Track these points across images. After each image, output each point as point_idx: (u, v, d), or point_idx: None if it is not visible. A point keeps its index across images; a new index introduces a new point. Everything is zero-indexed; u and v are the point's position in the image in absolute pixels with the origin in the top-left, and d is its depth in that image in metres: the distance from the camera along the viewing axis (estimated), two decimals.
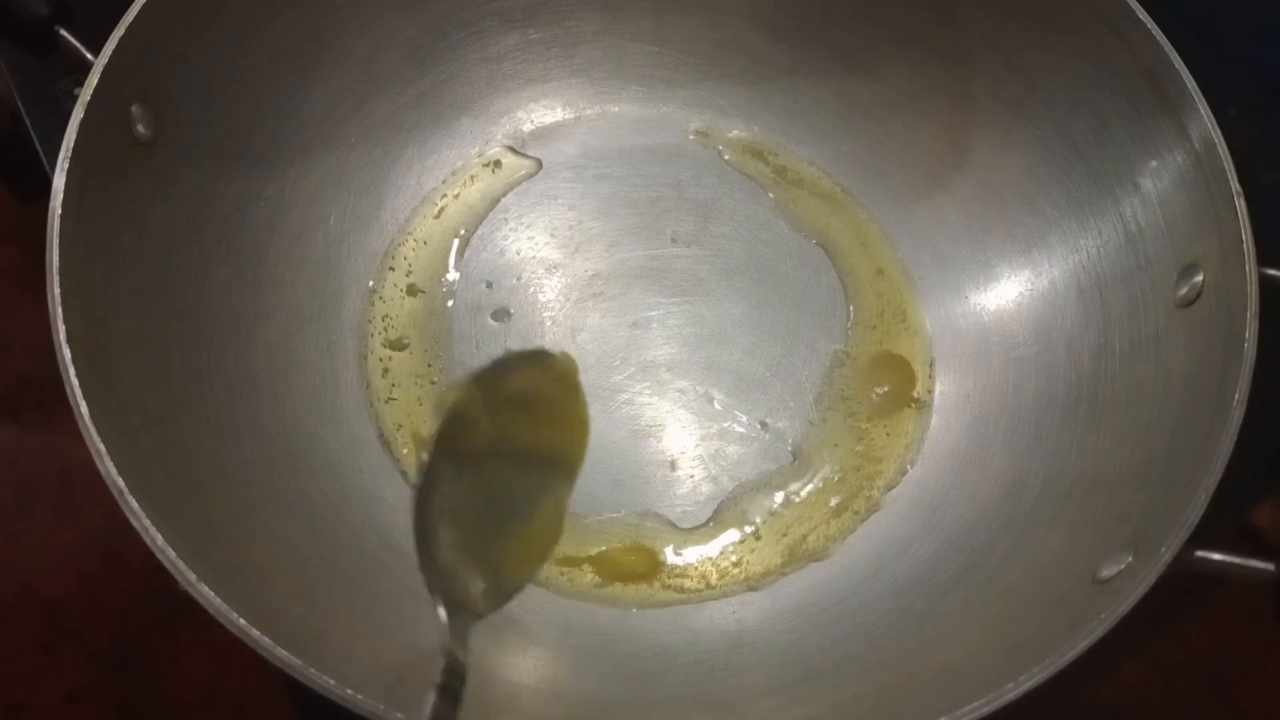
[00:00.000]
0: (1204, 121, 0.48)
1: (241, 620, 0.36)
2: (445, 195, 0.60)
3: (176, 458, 0.43)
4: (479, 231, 0.60)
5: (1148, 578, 0.39)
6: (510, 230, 0.60)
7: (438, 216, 0.60)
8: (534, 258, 0.59)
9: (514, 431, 0.41)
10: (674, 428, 0.55)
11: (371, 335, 0.56)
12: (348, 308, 0.56)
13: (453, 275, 0.58)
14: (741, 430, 0.55)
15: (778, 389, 0.56)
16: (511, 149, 0.62)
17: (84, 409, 0.38)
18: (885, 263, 0.60)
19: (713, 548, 0.52)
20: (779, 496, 0.53)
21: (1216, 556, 0.40)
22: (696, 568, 0.51)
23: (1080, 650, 0.38)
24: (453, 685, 0.36)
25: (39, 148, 0.60)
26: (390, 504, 0.51)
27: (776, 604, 0.50)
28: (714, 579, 0.51)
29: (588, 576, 0.50)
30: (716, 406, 0.56)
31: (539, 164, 0.61)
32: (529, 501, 0.42)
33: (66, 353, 0.38)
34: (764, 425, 0.55)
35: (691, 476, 0.54)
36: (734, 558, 0.52)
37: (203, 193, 0.50)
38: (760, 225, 0.61)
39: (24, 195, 0.69)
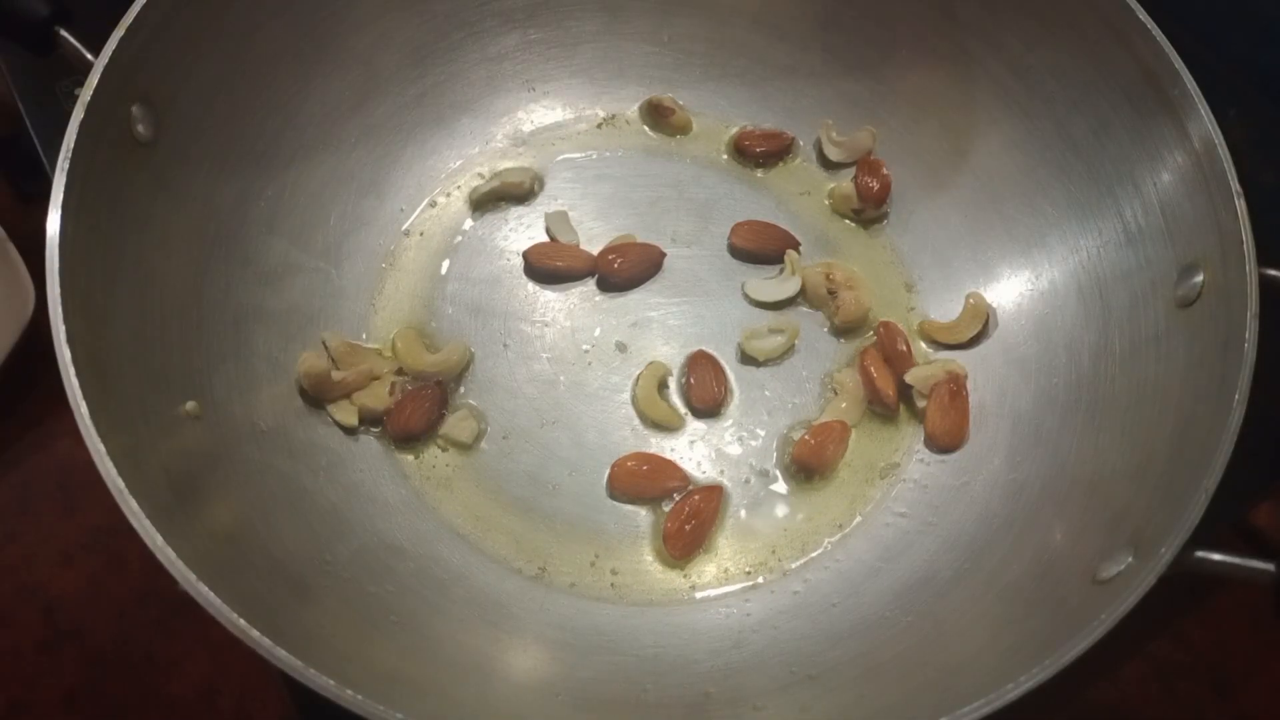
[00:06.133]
0: (1204, 121, 0.48)
1: (241, 620, 0.36)
2: (446, 195, 0.61)
3: (176, 458, 0.43)
4: (479, 232, 0.60)
5: (1148, 578, 0.39)
6: (510, 230, 0.60)
7: (438, 217, 0.60)
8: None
9: None
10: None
11: (371, 336, 0.56)
12: (347, 308, 0.56)
13: (452, 275, 0.58)
14: (742, 429, 0.55)
15: (778, 388, 0.56)
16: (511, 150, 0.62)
17: (84, 409, 0.38)
18: (886, 263, 0.61)
19: (713, 547, 0.52)
20: (779, 495, 0.53)
21: (1216, 557, 0.40)
22: (698, 566, 0.51)
23: (1080, 650, 0.38)
24: None
25: (39, 148, 0.60)
26: (390, 504, 0.51)
27: (776, 604, 0.50)
28: (714, 577, 0.51)
29: (590, 576, 0.51)
30: None
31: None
32: None
33: (66, 353, 0.38)
34: (764, 424, 0.55)
35: (692, 476, 0.54)
36: (734, 557, 0.52)
37: (203, 193, 0.50)
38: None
39: (24, 195, 0.69)
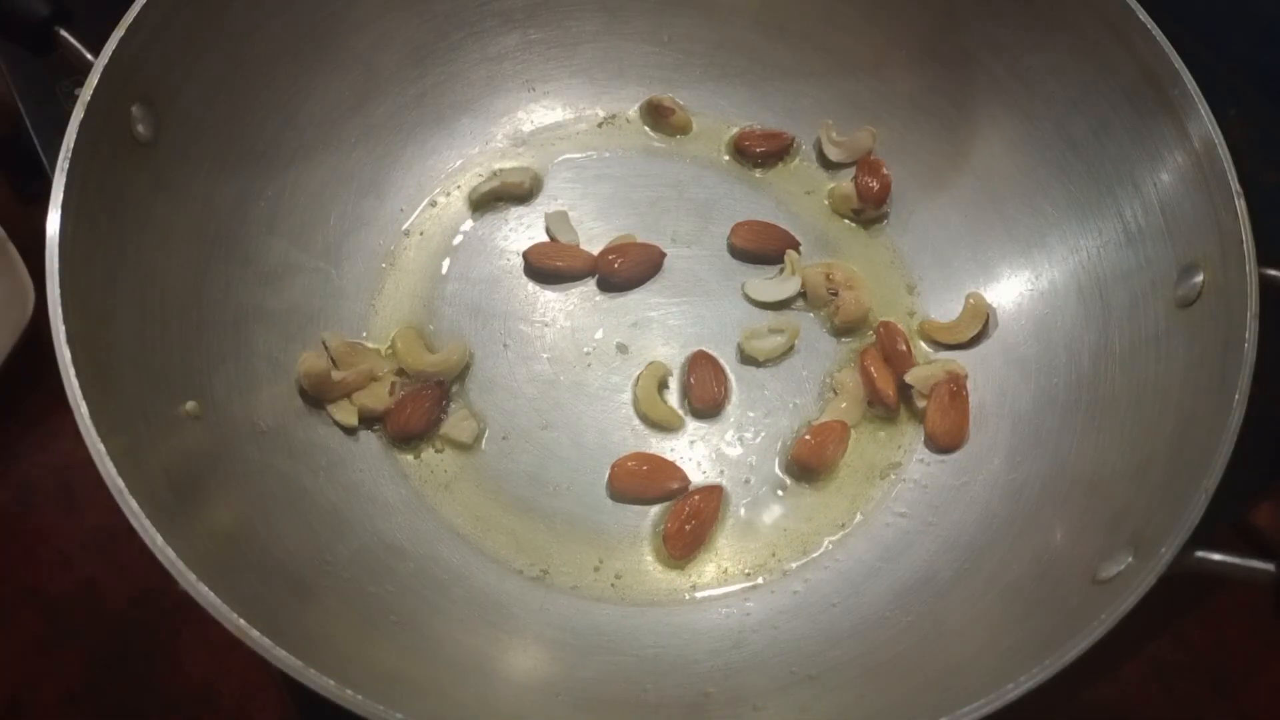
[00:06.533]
0: (1204, 121, 0.48)
1: (241, 620, 0.36)
2: (446, 195, 0.61)
3: (176, 458, 0.43)
4: (479, 232, 0.60)
5: (1148, 578, 0.39)
6: (510, 230, 0.60)
7: (438, 217, 0.60)
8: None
9: None
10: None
11: (371, 336, 0.56)
12: (347, 308, 0.56)
13: (452, 275, 0.58)
14: (742, 430, 0.55)
15: (778, 388, 0.56)
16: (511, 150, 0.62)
17: (84, 409, 0.38)
18: (886, 263, 0.61)
19: (713, 547, 0.52)
20: (779, 495, 0.53)
21: (1216, 556, 0.40)
22: (698, 566, 0.51)
23: (1080, 650, 0.38)
24: None
25: (39, 148, 0.60)
26: (390, 504, 0.51)
27: (776, 604, 0.50)
28: (714, 577, 0.51)
29: (591, 578, 0.51)
30: None
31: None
32: None
33: (66, 353, 0.39)
34: (764, 424, 0.55)
35: (692, 476, 0.54)
36: (734, 557, 0.52)
37: (203, 193, 0.50)
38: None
39: (24, 195, 0.69)
